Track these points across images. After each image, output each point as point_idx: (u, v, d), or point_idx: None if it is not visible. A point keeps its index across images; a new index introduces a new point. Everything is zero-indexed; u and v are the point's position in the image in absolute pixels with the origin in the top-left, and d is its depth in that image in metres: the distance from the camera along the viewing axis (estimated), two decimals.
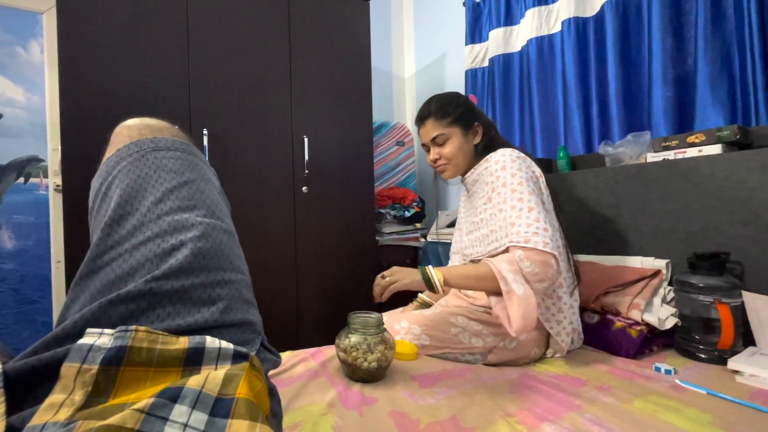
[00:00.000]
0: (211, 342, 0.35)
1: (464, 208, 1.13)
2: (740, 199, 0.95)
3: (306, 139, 1.61)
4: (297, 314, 1.61)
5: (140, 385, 0.31)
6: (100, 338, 0.31)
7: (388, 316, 1.00)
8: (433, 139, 0.99)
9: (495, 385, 0.77)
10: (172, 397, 0.28)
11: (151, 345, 0.32)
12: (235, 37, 1.50)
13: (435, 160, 1.01)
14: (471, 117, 1.00)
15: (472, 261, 1.00)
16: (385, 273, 0.87)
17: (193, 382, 0.30)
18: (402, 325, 0.97)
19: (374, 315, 0.86)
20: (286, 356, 0.93)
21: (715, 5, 1.13)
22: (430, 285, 0.84)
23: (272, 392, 0.43)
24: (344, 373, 0.82)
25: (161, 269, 0.36)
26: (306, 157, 1.60)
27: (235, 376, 0.32)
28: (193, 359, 0.33)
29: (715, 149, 1.03)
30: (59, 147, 1.29)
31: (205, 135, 1.42)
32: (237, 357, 0.35)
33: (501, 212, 0.88)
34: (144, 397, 0.28)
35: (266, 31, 1.56)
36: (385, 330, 0.83)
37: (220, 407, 0.29)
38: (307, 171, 1.61)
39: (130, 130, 0.47)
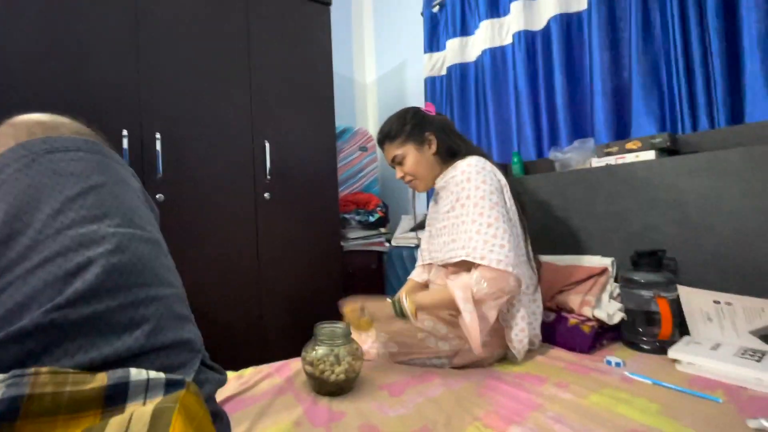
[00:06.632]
0: (137, 374, 0.30)
1: (431, 212, 1.15)
2: (672, 201, 1.04)
3: (267, 144, 1.56)
4: (261, 325, 1.54)
5: None
6: None
7: None
8: (393, 160, 1.04)
9: (461, 389, 0.79)
10: None
11: (57, 388, 0.27)
12: (190, 34, 1.42)
13: (402, 177, 1.06)
14: (421, 130, 1.02)
15: (441, 266, 1.03)
16: (365, 306, 0.90)
17: (113, 429, 0.26)
18: (369, 333, 0.96)
19: (341, 325, 0.84)
20: (249, 372, 0.89)
21: (645, 24, 1.25)
22: (403, 316, 0.87)
23: (218, 416, 0.39)
24: (311, 388, 0.80)
25: (65, 295, 0.30)
26: (268, 163, 1.55)
27: (165, 411, 0.27)
28: (115, 397, 0.28)
29: (650, 155, 1.12)
30: None
31: (158, 139, 1.33)
32: (170, 386, 0.31)
33: (462, 224, 0.92)
34: None
35: (224, 32, 1.50)
36: (352, 340, 0.82)
37: None
38: (269, 177, 1.56)
39: (15, 129, 0.39)
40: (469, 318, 0.82)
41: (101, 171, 0.39)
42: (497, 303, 0.85)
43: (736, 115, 1.08)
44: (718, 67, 1.08)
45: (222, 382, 0.42)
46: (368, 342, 0.95)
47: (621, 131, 1.34)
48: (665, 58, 1.22)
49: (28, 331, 0.29)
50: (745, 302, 0.84)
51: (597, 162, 1.25)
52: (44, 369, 0.27)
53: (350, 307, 0.90)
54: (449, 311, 0.96)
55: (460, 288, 0.84)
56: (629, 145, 1.18)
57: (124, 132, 1.28)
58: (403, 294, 0.89)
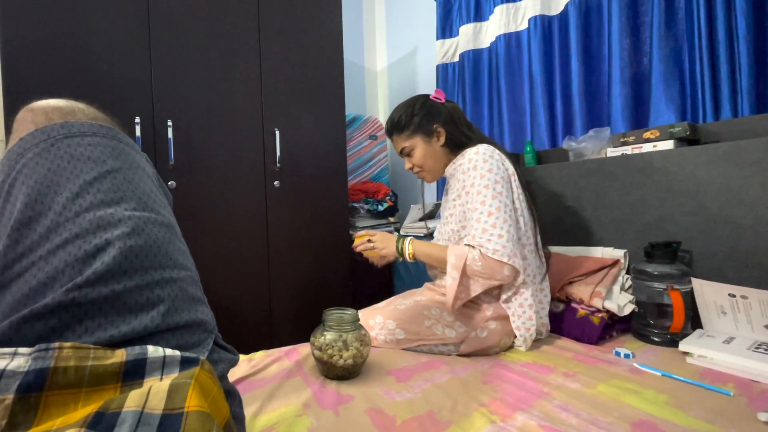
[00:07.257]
0: (154, 351, 0.31)
1: (444, 201, 1.15)
2: (690, 192, 1.02)
3: (277, 132, 1.56)
4: (270, 312, 1.57)
5: (69, 409, 0.27)
6: (13, 360, 0.27)
7: (362, 312, 1.00)
8: (401, 151, 1.05)
9: (468, 377, 0.79)
10: (108, 426, 0.24)
11: (80, 362, 0.28)
12: (200, 22, 1.42)
13: (411, 169, 1.06)
14: (429, 121, 1.01)
15: None
16: (372, 238, 1.01)
17: (133, 401, 0.27)
18: (377, 320, 0.97)
19: (350, 311, 0.85)
20: (260, 356, 0.91)
21: (668, 8, 1.20)
22: (401, 255, 0.97)
23: (231, 394, 0.41)
24: (320, 372, 0.82)
25: (84, 275, 0.32)
26: (278, 151, 1.56)
27: (182, 386, 0.29)
28: (134, 372, 0.30)
29: (668, 144, 1.09)
30: (4, 140, 1.18)
31: (170, 126, 1.35)
32: (185, 363, 0.32)
33: (468, 212, 0.94)
34: (72, 420, 0.25)
35: (234, 19, 1.49)
36: (360, 326, 0.83)
37: (167, 426, 0.26)
38: (279, 165, 1.57)
39: (34, 114, 0.40)
40: (450, 282, 0.89)
41: (116, 156, 0.40)
42: (485, 283, 0.89)
43: (761, 103, 1.04)
44: (744, 52, 1.04)
45: (234, 362, 0.43)
46: (375, 329, 0.96)
47: (639, 120, 1.31)
48: (688, 43, 1.17)
49: (51, 309, 0.30)
50: (761, 295, 0.82)
51: (612, 152, 1.22)
52: (67, 344, 0.28)
53: (360, 234, 1.02)
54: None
55: (455, 255, 0.89)
56: (647, 135, 1.14)
57: (137, 119, 1.30)
58: (409, 238, 0.97)
